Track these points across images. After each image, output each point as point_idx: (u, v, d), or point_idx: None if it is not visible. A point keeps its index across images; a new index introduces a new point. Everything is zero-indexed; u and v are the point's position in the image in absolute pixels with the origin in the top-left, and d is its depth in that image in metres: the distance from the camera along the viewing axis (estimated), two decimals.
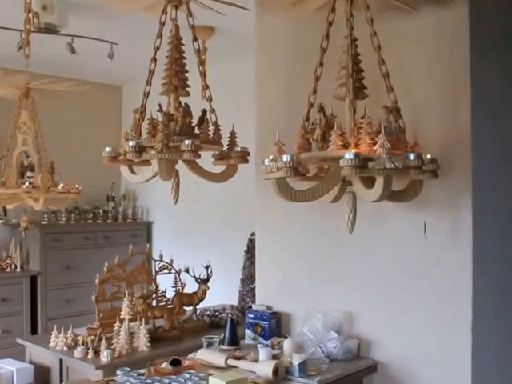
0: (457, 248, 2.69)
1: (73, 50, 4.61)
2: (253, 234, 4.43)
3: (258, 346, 3.11)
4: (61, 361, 3.49)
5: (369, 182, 2.32)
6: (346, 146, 2.32)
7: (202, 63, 2.87)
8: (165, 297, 3.99)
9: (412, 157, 2.33)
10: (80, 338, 3.48)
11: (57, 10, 4.15)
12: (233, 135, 2.91)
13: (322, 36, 2.54)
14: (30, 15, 3.84)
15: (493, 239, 2.82)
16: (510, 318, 2.93)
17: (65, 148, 5.94)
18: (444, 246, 2.74)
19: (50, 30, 4.20)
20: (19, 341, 3.90)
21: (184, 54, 2.83)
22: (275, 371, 2.63)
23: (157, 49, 2.78)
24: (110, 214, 6.70)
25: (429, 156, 2.46)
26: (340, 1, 2.52)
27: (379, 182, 2.24)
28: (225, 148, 2.89)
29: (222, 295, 4.84)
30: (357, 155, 2.16)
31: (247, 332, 3.35)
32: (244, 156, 2.86)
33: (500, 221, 2.87)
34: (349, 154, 2.16)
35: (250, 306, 3.61)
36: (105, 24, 4.63)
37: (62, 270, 6.08)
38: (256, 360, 2.83)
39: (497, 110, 2.85)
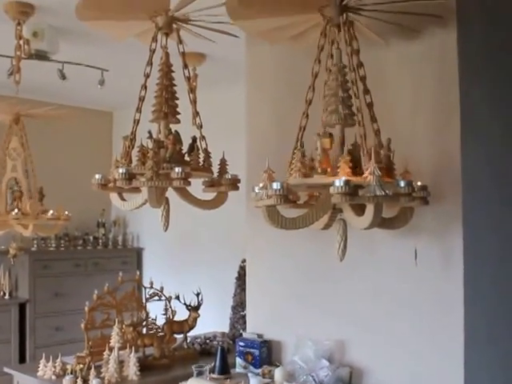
0: (448, 275, 2.68)
1: (63, 77, 4.62)
2: (244, 260, 4.41)
3: (249, 374, 3.08)
4: None
5: (359, 210, 2.31)
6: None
7: (192, 90, 2.89)
8: (155, 324, 3.95)
9: (402, 184, 2.32)
10: (69, 367, 3.43)
11: (47, 36, 4.16)
12: (223, 162, 2.91)
13: (314, 60, 2.55)
14: (21, 42, 3.86)
15: (484, 265, 2.81)
16: (501, 344, 2.91)
17: (55, 174, 5.93)
18: (435, 273, 2.72)
19: (41, 56, 4.21)
20: (7, 369, 3.85)
21: (174, 81, 2.84)
22: None
23: (147, 76, 2.79)
24: (100, 241, 6.67)
25: (419, 183, 2.46)
26: (328, 29, 2.54)
27: (369, 209, 2.23)
28: (215, 175, 2.88)
29: (212, 322, 4.80)
30: (347, 182, 2.15)
31: (238, 360, 3.32)
32: (234, 183, 2.86)
33: (491, 247, 2.87)
34: (339, 181, 2.15)
35: (241, 334, 3.58)
36: (96, 50, 4.65)
37: (51, 297, 6.02)
38: None
39: (486, 135, 2.86)
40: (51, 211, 4.28)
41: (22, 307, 5.90)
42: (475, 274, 2.70)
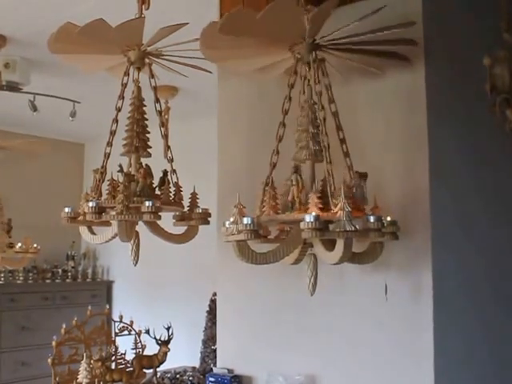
0: (418, 310, 2.69)
1: (34, 108, 4.61)
2: (214, 294, 4.39)
3: None
4: None
5: (329, 244, 2.32)
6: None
7: (163, 124, 2.89)
8: (124, 359, 3.89)
9: (372, 219, 2.34)
10: None
11: (19, 68, 4.16)
12: (194, 196, 2.90)
13: (284, 98, 2.58)
14: None
15: (453, 300, 2.83)
16: (471, 377, 2.92)
17: (25, 205, 5.86)
18: (405, 307, 2.73)
19: (12, 87, 4.21)
20: None
21: (146, 115, 2.84)
22: None
23: (118, 110, 2.79)
24: (69, 274, 6.59)
25: (389, 218, 2.48)
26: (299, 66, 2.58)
27: (339, 244, 2.24)
28: (186, 209, 2.88)
29: (183, 357, 4.74)
30: (317, 218, 2.16)
31: None
32: (205, 217, 2.86)
33: (461, 281, 2.89)
34: (309, 217, 2.16)
35: (212, 369, 3.54)
36: (68, 82, 4.65)
37: (17, 331, 5.91)
38: None
39: (453, 175, 2.89)
40: (19, 244, 4.23)
41: None
42: (445, 309, 2.71)
